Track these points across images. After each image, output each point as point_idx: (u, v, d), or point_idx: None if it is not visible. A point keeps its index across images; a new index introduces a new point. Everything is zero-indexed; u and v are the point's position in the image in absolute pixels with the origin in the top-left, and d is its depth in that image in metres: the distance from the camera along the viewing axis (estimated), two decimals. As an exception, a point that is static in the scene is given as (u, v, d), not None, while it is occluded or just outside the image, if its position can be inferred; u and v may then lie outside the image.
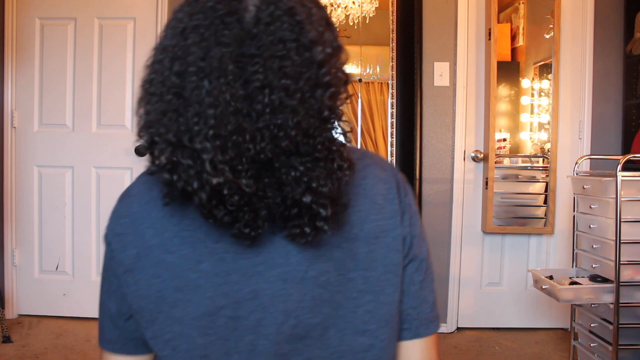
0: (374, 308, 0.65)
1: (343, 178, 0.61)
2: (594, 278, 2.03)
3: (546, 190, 2.66)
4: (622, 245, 1.88)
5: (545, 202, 2.68)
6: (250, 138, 0.57)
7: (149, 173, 0.62)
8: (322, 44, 0.59)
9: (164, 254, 0.62)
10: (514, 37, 2.88)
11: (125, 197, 0.69)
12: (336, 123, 0.62)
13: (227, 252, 0.61)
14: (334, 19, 2.77)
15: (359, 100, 2.81)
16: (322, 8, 0.64)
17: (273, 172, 0.59)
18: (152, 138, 0.59)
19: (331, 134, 0.61)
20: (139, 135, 0.61)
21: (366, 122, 2.85)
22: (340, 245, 0.64)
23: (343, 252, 0.64)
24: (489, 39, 2.63)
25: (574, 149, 2.73)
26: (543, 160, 2.72)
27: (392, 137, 2.74)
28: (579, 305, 2.17)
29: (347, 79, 0.64)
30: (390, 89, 2.75)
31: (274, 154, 0.58)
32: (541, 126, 2.79)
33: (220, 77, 0.55)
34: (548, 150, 2.68)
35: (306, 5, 0.60)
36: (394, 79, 2.74)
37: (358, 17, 2.77)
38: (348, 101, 0.66)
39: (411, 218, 0.70)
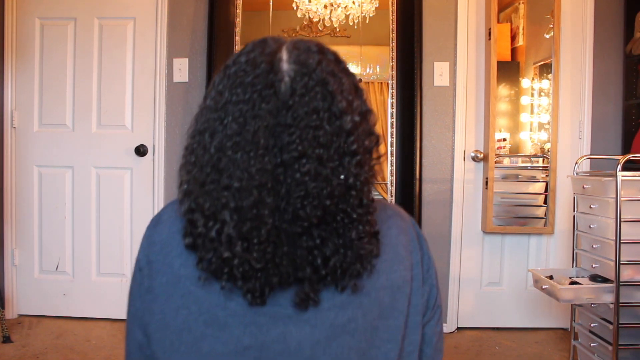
0: (395, 357, 0.66)
1: (361, 249, 0.63)
2: (594, 278, 2.03)
3: (546, 190, 2.66)
4: (622, 245, 1.88)
5: (545, 202, 2.68)
6: (269, 212, 0.59)
7: (180, 205, 0.65)
8: (351, 112, 0.63)
9: (193, 287, 0.63)
10: (514, 37, 2.88)
11: (157, 223, 0.71)
12: (365, 187, 0.64)
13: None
14: (333, 19, 2.77)
15: (359, 100, 2.80)
16: (351, 75, 0.67)
17: (294, 240, 0.61)
18: (190, 206, 0.63)
19: (355, 201, 0.62)
20: (181, 202, 0.65)
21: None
22: (369, 292, 0.65)
23: (371, 300, 0.65)
24: (489, 39, 2.63)
25: (574, 148, 2.73)
26: (543, 160, 2.72)
27: (392, 137, 2.74)
28: (579, 305, 2.17)
29: (377, 140, 0.67)
30: (390, 89, 2.75)
31: (298, 225, 0.60)
32: (541, 126, 2.79)
33: (251, 151, 0.59)
34: (548, 150, 2.67)
35: (337, 75, 0.63)
36: (394, 79, 2.74)
37: (358, 17, 2.77)
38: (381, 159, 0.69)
39: (429, 269, 0.73)
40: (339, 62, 0.66)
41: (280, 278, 0.61)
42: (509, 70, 2.81)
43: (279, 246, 0.60)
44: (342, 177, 0.61)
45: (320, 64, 0.63)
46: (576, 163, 2.25)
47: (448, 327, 2.74)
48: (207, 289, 0.63)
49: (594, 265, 2.04)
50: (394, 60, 2.74)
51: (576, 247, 2.19)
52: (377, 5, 2.77)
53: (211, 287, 0.62)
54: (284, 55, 0.63)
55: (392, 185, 2.74)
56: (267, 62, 0.62)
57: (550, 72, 2.65)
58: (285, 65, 0.62)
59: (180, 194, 0.65)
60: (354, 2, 2.75)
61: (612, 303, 1.91)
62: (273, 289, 0.61)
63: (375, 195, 3.04)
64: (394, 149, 2.74)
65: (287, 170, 0.59)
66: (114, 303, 2.76)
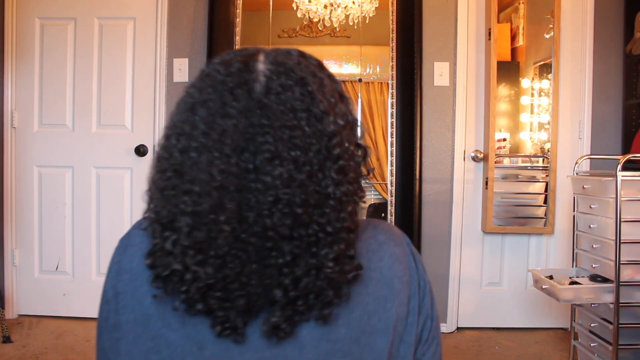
0: None
1: (333, 272, 0.55)
2: (594, 278, 2.03)
3: (546, 190, 2.66)
4: (622, 245, 1.88)
5: (545, 202, 2.68)
6: (227, 219, 0.53)
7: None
8: (334, 114, 0.57)
9: (165, 329, 0.57)
10: (514, 37, 2.88)
11: (127, 247, 0.64)
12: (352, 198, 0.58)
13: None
14: (333, 19, 2.77)
15: (359, 100, 2.80)
16: (336, 81, 0.62)
17: (264, 257, 0.54)
18: (149, 217, 0.58)
19: (333, 213, 0.55)
20: (145, 214, 0.60)
21: (366, 122, 2.85)
22: (358, 339, 0.58)
23: (361, 348, 0.58)
24: (489, 39, 2.63)
25: (574, 148, 2.73)
26: (543, 160, 2.72)
27: (392, 137, 2.74)
28: (579, 305, 2.17)
29: (365, 153, 0.61)
30: (390, 89, 2.75)
31: (266, 237, 0.53)
32: (541, 126, 2.79)
33: (216, 152, 0.54)
34: (548, 150, 2.67)
35: (318, 76, 0.59)
36: (394, 79, 2.74)
37: (358, 17, 2.77)
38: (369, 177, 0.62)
39: (425, 296, 0.66)
40: (322, 67, 0.62)
41: (248, 301, 0.54)
42: (509, 70, 2.81)
43: (247, 263, 0.54)
44: (323, 184, 0.54)
45: (299, 64, 0.59)
46: (576, 163, 2.25)
47: (448, 327, 2.74)
48: (179, 333, 0.56)
49: (594, 265, 2.04)
50: (394, 60, 2.74)
51: (576, 247, 2.19)
52: (377, 5, 2.77)
53: (184, 330, 0.56)
54: (261, 57, 0.59)
55: (392, 185, 2.74)
56: (241, 62, 0.58)
57: (550, 72, 2.65)
58: (261, 65, 0.58)
59: (146, 204, 0.59)
60: (354, 2, 2.75)
61: (612, 303, 1.91)
62: (243, 318, 0.55)
63: (375, 195, 3.03)
64: (394, 149, 2.74)
65: (259, 174, 0.54)
66: (114, 303, 2.76)
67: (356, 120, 0.62)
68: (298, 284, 0.54)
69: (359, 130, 0.63)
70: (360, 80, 2.81)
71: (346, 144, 0.58)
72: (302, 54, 0.61)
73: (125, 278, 0.61)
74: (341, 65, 2.88)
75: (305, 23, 2.80)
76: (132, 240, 0.64)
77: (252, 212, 0.53)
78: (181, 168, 0.55)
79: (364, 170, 0.61)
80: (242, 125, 0.54)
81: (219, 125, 0.54)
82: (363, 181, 0.61)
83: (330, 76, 0.62)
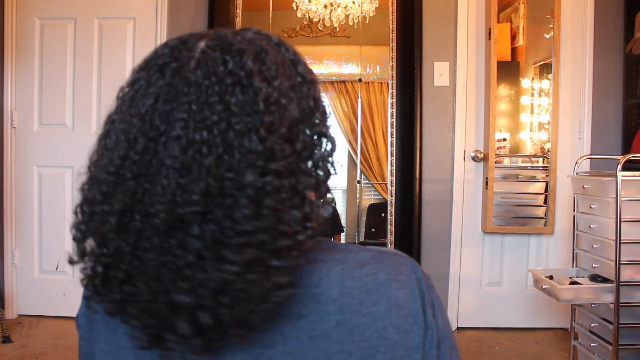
0: None
1: (246, 283, 0.45)
2: (594, 278, 2.03)
3: (546, 190, 2.66)
4: (622, 245, 1.88)
5: (545, 202, 2.68)
6: (110, 209, 0.47)
7: None
8: (276, 92, 0.48)
9: None
10: (514, 37, 2.88)
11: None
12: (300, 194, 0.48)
13: None
14: (333, 19, 2.77)
15: (359, 100, 2.80)
16: (298, 60, 0.54)
17: (171, 256, 0.46)
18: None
19: (247, 208, 0.45)
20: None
21: (366, 122, 2.85)
22: None
23: None
24: (489, 39, 2.63)
25: (574, 148, 2.73)
26: (543, 160, 2.72)
27: (392, 137, 2.74)
28: (579, 305, 2.17)
29: (332, 147, 0.52)
30: (390, 89, 2.75)
31: (172, 230, 0.45)
32: (541, 126, 2.79)
33: (122, 134, 0.48)
34: (548, 150, 2.67)
35: (264, 50, 0.51)
36: (394, 78, 2.74)
37: (358, 17, 2.77)
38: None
39: (431, 350, 0.54)
40: (279, 44, 0.54)
41: (152, 305, 0.47)
42: (509, 70, 2.81)
43: (148, 263, 0.46)
44: (241, 171, 0.45)
45: (243, 39, 0.51)
46: (576, 163, 2.25)
47: (448, 327, 2.74)
48: None
49: (594, 265, 2.04)
50: (394, 60, 2.74)
51: (576, 247, 2.19)
52: (377, 5, 2.77)
53: None
54: (205, 38, 0.51)
55: (392, 185, 2.74)
56: (181, 40, 0.51)
57: (550, 72, 2.65)
58: (202, 44, 0.50)
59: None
60: (354, 2, 2.75)
61: (612, 303, 1.91)
62: (157, 328, 0.48)
63: (375, 195, 3.02)
64: (394, 149, 2.74)
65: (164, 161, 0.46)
66: (114, 303, 2.76)
67: (320, 105, 0.53)
68: (204, 290, 0.45)
69: (325, 120, 0.55)
70: (360, 80, 2.81)
71: (289, 126, 0.49)
72: (259, 32, 0.53)
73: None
74: (341, 65, 2.88)
75: (305, 23, 2.80)
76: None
77: (158, 207, 0.45)
78: (96, 158, 0.51)
79: (330, 168, 0.52)
80: (164, 107, 0.47)
81: (136, 106, 0.48)
82: (329, 179, 0.53)
83: (291, 52, 0.54)
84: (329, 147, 0.53)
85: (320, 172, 0.52)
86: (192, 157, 0.45)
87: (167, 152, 0.46)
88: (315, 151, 0.52)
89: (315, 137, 0.52)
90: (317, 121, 0.53)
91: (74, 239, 0.51)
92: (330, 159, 0.53)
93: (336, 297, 0.51)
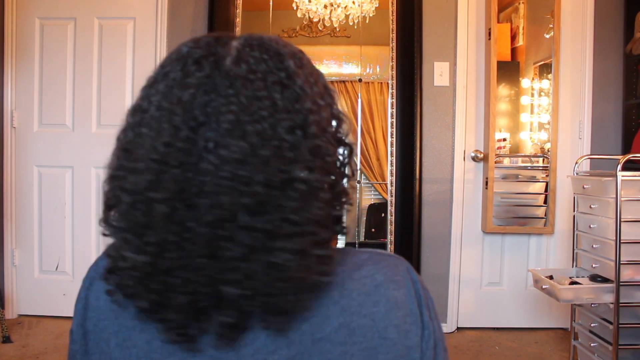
0: None
1: (297, 270, 0.47)
2: (594, 278, 2.03)
3: (546, 190, 2.66)
4: (622, 245, 1.88)
5: (545, 202, 2.68)
6: (163, 198, 0.46)
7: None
8: (313, 94, 0.51)
9: None
10: (514, 37, 2.88)
11: (94, 280, 0.57)
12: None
13: None
14: (333, 19, 2.77)
15: (359, 100, 2.80)
16: (319, 71, 0.56)
17: (215, 249, 0.46)
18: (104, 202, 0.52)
19: (300, 203, 0.47)
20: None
21: (366, 122, 2.85)
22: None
23: None
24: (489, 39, 2.63)
25: (574, 148, 2.73)
26: (543, 160, 2.72)
27: (392, 137, 2.74)
28: (579, 305, 2.17)
29: (350, 151, 0.54)
30: (390, 89, 2.75)
31: (219, 223, 0.46)
32: (541, 126, 2.79)
33: (164, 123, 0.48)
34: (548, 150, 2.67)
35: (297, 56, 0.53)
36: (394, 78, 2.74)
37: (358, 17, 2.77)
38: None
39: (427, 350, 0.55)
40: (302, 53, 0.56)
41: (191, 300, 0.47)
42: (509, 70, 2.81)
43: (192, 256, 0.46)
44: (292, 165, 0.47)
45: (277, 42, 0.53)
46: (576, 163, 2.25)
47: (448, 327, 2.74)
48: None
49: (594, 265, 2.04)
50: (394, 60, 2.74)
51: (576, 247, 2.19)
52: (377, 5, 2.77)
53: None
54: (235, 38, 0.53)
55: (392, 185, 2.74)
56: (213, 37, 0.53)
57: (550, 72, 2.65)
58: (234, 42, 0.52)
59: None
60: (354, 2, 2.75)
61: (612, 303, 1.91)
62: (189, 321, 0.49)
63: (375, 195, 3.02)
64: (394, 149, 2.74)
65: (219, 151, 0.46)
66: (114, 303, 2.76)
67: (341, 114, 0.55)
68: (252, 281, 0.46)
69: (345, 127, 0.57)
70: (360, 80, 2.81)
71: (325, 128, 0.51)
72: (280, 38, 0.55)
73: (93, 316, 0.55)
74: (341, 65, 2.88)
75: (305, 23, 2.80)
76: (99, 272, 0.56)
77: (205, 199, 0.46)
78: (130, 146, 0.50)
79: (348, 171, 0.54)
80: (203, 97, 0.48)
81: (174, 95, 0.48)
82: (348, 182, 0.55)
83: (312, 64, 0.56)
84: (346, 153, 0.55)
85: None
86: (248, 150, 0.46)
87: (216, 142, 0.46)
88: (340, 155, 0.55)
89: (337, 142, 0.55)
90: (336, 128, 0.56)
91: (110, 231, 0.50)
92: (348, 163, 0.56)
93: (337, 300, 0.52)
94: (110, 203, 0.51)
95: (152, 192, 0.47)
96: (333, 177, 0.52)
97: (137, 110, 0.51)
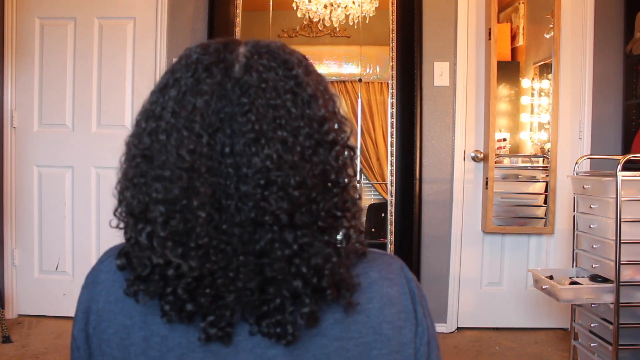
0: None
1: (349, 254, 0.52)
2: (594, 278, 2.03)
3: (546, 190, 2.66)
4: (622, 245, 1.88)
5: (545, 202, 2.68)
6: (201, 204, 0.48)
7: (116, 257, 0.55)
8: (324, 100, 0.54)
9: None
10: (514, 37, 2.88)
11: (94, 285, 0.58)
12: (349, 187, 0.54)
13: None
14: (333, 19, 2.77)
15: (359, 100, 2.80)
16: (323, 76, 0.58)
17: (253, 248, 0.49)
18: (119, 210, 0.54)
19: (339, 199, 0.52)
20: (115, 211, 0.55)
21: (366, 122, 2.85)
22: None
23: None
24: (489, 39, 2.63)
25: (574, 149, 2.73)
26: (543, 160, 2.72)
27: (392, 137, 2.74)
28: (579, 305, 2.17)
29: (353, 154, 0.57)
30: (390, 89, 2.75)
31: (260, 226, 0.49)
32: (541, 126, 2.79)
33: (185, 130, 0.49)
34: (548, 150, 2.67)
35: (303, 63, 0.55)
36: (394, 79, 2.74)
37: (358, 17, 2.77)
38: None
39: (421, 346, 0.57)
40: (306, 59, 0.58)
41: (239, 297, 0.49)
42: (509, 70, 2.81)
43: (232, 256, 0.49)
44: (320, 168, 0.51)
45: (283, 48, 0.55)
46: (576, 163, 2.25)
47: (448, 327, 2.74)
48: None
49: (594, 265, 2.04)
50: (394, 60, 2.74)
51: (576, 247, 2.19)
52: (377, 5, 2.77)
53: None
54: (242, 44, 0.55)
55: (392, 185, 2.74)
56: (221, 43, 0.54)
57: (550, 72, 2.65)
58: (242, 49, 0.54)
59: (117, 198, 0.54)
60: (354, 2, 2.75)
61: (612, 303, 1.91)
62: (234, 317, 0.50)
63: (375, 195, 3.02)
64: (394, 149, 2.74)
65: (240, 158, 0.49)
66: (114, 303, 2.76)
67: (346, 119, 0.58)
68: (321, 273, 0.49)
69: (348, 130, 0.59)
70: (360, 80, 2.81)
71: (339, 134, 0.54)
72: (285, 45, 0.57)
73: (93, 319, 0.55)
74: (341, 65, 2.88)
75: (305, 23, 2.80)
76: (98, 278, 0.58)
77: (232, 201, 0.49)
78: (150, 152, 0.51)
79: (351, 172, 0.56)
80: (217, 104, 0.50)
81: (189, 102, 0.50)
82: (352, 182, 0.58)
83: (316, 70, 0.58)
84: (352, 155, 0.58)
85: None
86: (278, 156, 0.48)
87: (250, 150, 0.48)
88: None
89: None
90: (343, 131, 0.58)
91: (150, 246, 0.50)
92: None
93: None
94: (136, 211, 0.51)
95: (188, 200, 0.48)
96: (354, 180, 0.55)
97: (150, 116, 0.52)
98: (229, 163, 0.49)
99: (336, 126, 0.54)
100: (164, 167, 0.49)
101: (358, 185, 0.58)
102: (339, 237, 0.52)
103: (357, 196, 0.55)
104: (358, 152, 2.86)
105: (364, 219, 2.96)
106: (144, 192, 0.51)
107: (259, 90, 0.50)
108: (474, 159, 2.74)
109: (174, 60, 0.56)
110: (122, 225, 0.55)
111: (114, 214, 0.55)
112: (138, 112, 0.55)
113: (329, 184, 0.51)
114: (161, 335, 0.52)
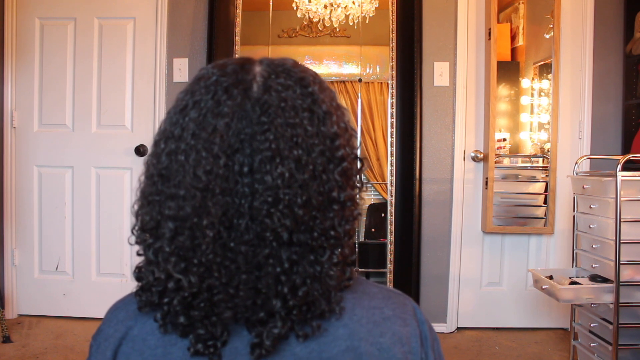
0: None
1: (330, 279, 0.53)
2: (594, 278, 2.03)
3: (546, 190, 2.66)
4: (622, 245, 1.88)
5: (545, 202, 2.68)
6: (211, 223, 0.50)
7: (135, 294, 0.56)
8: (337, 117, 0.56)
9: None
10: (513, 37, 2.88)
11: (102, 340, 0.58)
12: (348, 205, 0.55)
13: None
14: (333, 19, 2.77)
15: (359, 100, 2.80)
16: (333, 91, 0.60)
17: (255, 266, 0.51)
18: (135, 226, 0.55)
19: (337, 218, 0.53)
20: (132, 230, 0.56)
21: (366, 122, 2.85)
22: None
23: None
24: (489, 39, 2.63)
25: (574, 149, 2.73)
26: (543, 160, 2.72)
27: (392, 137, 2.74)
28: (579, 305, 2.17)
29: (362, 165, 0.59)
30: (390, 89, 2.75)
31: (261, 241, 0.51)
32: (541, 126, 2.79)
33: (203, 151, 0.51)
34: (548, 150, 2.67)
35: (317, 80, 0.57)
36: (394, 79, 2.74)
37: (358, 17, 2.77)
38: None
39: None
40: (318, 75, 0.60)
41: (235, 314, 0.52)
42: (509, 70, 2.81)
43: (235, 273, 0.51)
44: (327, 187, 0.52)
45: (297, 65, 0.57)
46: (576, 163, 2.25)
47: (448, 327, 2.74)
48: None
49: (594, 265, 2.04)
50: (394, 60, 2.74)
51: (576, 247, 2.19)
52: (377, 5, 2.77)
53: None
54: (257, 62, 0.57)
55: (392, 185, 2.74)
56: (237, 64, 0.56)
57: (550, 72, 2.65)
58: (257, 68, 0.56)
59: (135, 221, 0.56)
60: (354, 2, 2.75)
61: (612, 303, 1.91)
62: (225, 333, 0.52)
63: (375, 195, 3.02)
64: (394, 149, 2.74)
65: (256, 176, 0.51)
66: (114, 303, 2.76)
67: (355, 131, 0.59)
68: (296, 293, 0.51)
69: (356, 142, 0.61)
70: (360, 80, 2.81)
71: (348, 149, 0.56)
72: (297, 63, 0.59)
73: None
74: (341, 65, 2.88)
75: (305, 23, 2.80)
76: (106, 332, 0.58)
77: (243, 219, 0.51)
78: (167, 172, 0.52)
79: (356, 184, 0.58)
80: (237, 125, 0.52)
81: (209, 124, 0.52)
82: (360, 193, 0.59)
83: (328, 86, 0.60)
84: (360, 167, 0.60)
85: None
86: (290, 174, 0.50)
87: (265, 168, 0.50)
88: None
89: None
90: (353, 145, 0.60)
91: (154, 260, 0.53)
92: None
93: (347, 323, 0.54)
94: (148, 227, 0.53)
95: (198, 219, 0.50)
96: (357, 191, 0.57)
97: (169, 137, 0.54)
98: (246, 182, 0.51)
99: (346, 141, 0.56)
100: (180, 186, 0.51)
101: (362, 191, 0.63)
102: (325, 257, 0.53)
103: (357, 213, 0.57)
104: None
105: (364, 218, 2.96)
106: (157, 210, 0.53)
107: (279, 109, 0.52)
108: (474, 159, 2.74)
109: (195, 78, 0.57)
110: (138, 240, 0.57)
111: (132, 232, 0.56)
112: (157, 132, 0.56)
113: (330, 201, 0.53)
114: (190, 352, 0.53)
